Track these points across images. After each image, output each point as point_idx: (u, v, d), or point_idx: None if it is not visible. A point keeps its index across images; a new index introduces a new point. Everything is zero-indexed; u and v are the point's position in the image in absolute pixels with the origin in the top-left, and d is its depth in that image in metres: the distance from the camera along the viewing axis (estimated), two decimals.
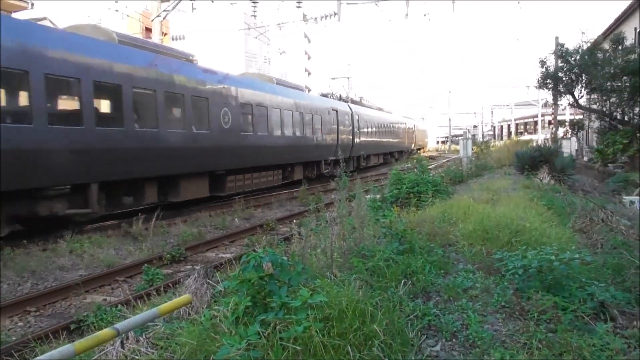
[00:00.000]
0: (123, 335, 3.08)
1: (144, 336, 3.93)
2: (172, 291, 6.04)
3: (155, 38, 19.68)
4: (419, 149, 55.24)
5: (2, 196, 8.92)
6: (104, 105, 12.21)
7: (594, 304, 3.73)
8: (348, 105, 28.57)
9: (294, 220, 13.45)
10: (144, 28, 33.12)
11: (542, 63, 22.18)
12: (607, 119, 21.36)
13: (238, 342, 3.14)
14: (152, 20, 19.43)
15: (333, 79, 44.76)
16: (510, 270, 4.15)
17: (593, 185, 18.19)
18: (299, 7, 23.04)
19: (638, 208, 11.71)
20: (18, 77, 9.22)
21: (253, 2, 26.95)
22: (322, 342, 2.94)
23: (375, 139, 33.20)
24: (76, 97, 10.62)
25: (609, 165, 20.07)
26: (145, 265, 8.11)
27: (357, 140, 28.30)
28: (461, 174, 17.96)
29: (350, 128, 27.50)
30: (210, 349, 3.35)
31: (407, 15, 19.13)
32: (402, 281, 4.11)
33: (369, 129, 31.67)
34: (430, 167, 27.23)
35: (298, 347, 2.93)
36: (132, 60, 12.02)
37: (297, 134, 20.56)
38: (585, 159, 27.46)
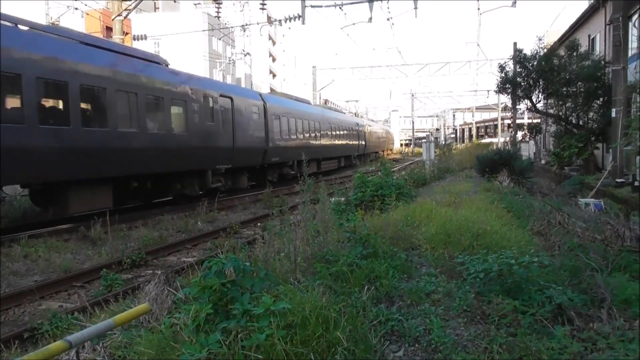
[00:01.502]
0: (77, 347, 2.95)
1: (101, 345, 3.79)
2: (131, 297, 5.86)
3: (116, 37, 19.17)
4: (383, 151, 55.89)
5: None
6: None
7: (552, 306, 3.81)
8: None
9: (258, 224, 13.34)
10: (104, 27, 32.26)
11: (502, 68, 22.78)
12: (563, 123, 22.09)
13: (198, 351, 3.05)
14: (112, 20, 18.92)
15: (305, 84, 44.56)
16: (471, 274, 4.21)
17: (550, 187, 18.75)
18: (262, 8, 22.94)
19: (593, 210, 12.14)
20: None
21: (217, 3, 26.64)
22: (285, 349, 2.89)
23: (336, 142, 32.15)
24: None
25: (565, 168, 20.77)
26: (104, 270, 7.87)
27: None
28: (424, 176, 18.19)
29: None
30: (170, 358, 3.26)
31: (370, 19, 19.27)
32: (366, 286, 4.10)
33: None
34: (394, 169, 27.54)
35: (260, 356, 2.88)
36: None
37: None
38: (543, 162, 28.34)
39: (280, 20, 23.13)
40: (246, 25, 26.30)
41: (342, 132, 34.14)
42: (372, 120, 63.35)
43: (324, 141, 29.71)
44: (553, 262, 5.50)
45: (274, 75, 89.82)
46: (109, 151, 12.50)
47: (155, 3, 56.91)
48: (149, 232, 11.48)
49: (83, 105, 12.04)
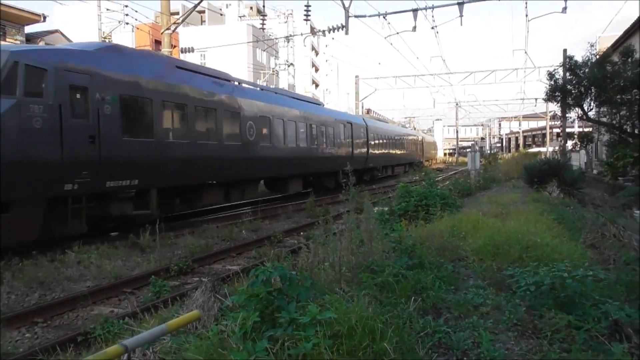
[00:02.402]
0: (131, 351, 3.06)
1: (150, 350, 3.90)
2: (179, 304, 6.01)
3: (165, 50, 19.86)
4: (427, 161, 55.70)
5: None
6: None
7: (608, 322, 3.65)
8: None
9: (301, 233, 13.42)
10: (153, 40, 33.45)
11: (551, 76, 22.12)
12: (617, 132, 21.20)
13: (246, 358, 3.10)
14: (161, 33, 19.61)
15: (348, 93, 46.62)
16: (522, 286, 4.09)
17: (603, 198, 18.01)
18: (306, 19, 23.17)
19: None
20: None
21: (261, 16, 27.20)
22: (332, 359, 2.89)
23: (397, 151, 38.19)
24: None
25: (619, 178, 19.90)
26: (153, 276, 8.09)
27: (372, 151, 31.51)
28: (469, 186, 17.85)
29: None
30: None
31: (414, 28, 19.15)
32: (412, 297, 4.05)
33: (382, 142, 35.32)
34: (438, 179, 27.21)
35: None
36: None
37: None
38: (595, 172, 27.26)
39: (323, 31, 23.33)
40: (290, 36, 26.65)
41: (406, 145, 42.97)
42: (418, 130, 63.49)
43: (397, 151, 38.25)
44: (608, 276, 5.27)
45: (317, 85, 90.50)
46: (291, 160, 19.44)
47: (202, 17, 58.64)
48: (195, 240, 11.75)
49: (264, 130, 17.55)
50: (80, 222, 10.33)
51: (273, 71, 49.20)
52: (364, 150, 28.50)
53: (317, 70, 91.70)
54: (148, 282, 7.99)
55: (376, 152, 31.08)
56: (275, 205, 19.09)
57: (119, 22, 29.86)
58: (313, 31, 42.19)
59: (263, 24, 26.16)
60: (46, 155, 9.20)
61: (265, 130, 17.48)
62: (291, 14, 30.60)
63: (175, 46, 28.90)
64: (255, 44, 49.66)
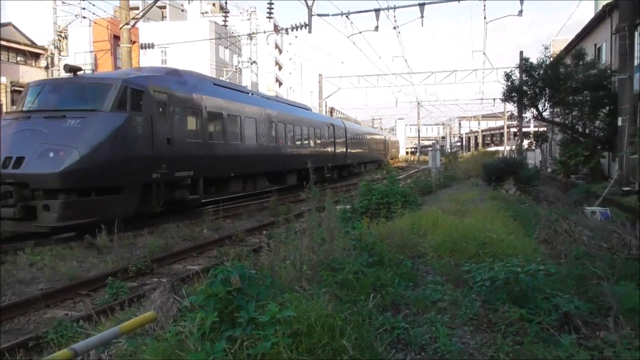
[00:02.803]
0: (82, 355, 2.96)
1: (106, 353, 3.80)
2: (136, 305, 5.87)
3: (123, 46, 19.35)
4: (392, 159, 57.24)
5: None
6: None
7: (559, 315, 3.79)
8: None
9: (264, 232, 13.35)
10: (112, 36, 32.55)
11: (508, 77, 22.79)
12: (569, 132, 22.03)
13: (204, 359, 3.06)
14: (120, 28, 19.10)
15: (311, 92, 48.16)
16: (477, 282, 4.19)
17: (557, 196, 18.66)
18: (269, 17, 23.09)
19: (599, 218, 12.07)
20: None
21: (224, 12, 26.86)
22: (290, 358, 2.89)
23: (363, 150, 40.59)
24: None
25: (571, 176, 20.69)
26: (110, 278, 7.87)
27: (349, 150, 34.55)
28: (430, 184, 18.17)
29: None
30: None
31: (377, 28, 19.33)
32: (372, 294, 4.09)
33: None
34: (399, 177, 27.55)
35: None
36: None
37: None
38: (549, 170, 28.24)
39: (286, 29, 23.25)
40: (253, 33, 26.42)
41: (376, 144, 47.25)
42: (381, 129, 65.21)
43: (369, 150, 42.40)
44: (560, 270, 5.47)
45: (280, 84, 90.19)
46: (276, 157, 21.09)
47: (162, 12, 57.47)
48: (155, 240, 11.51)
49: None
50: (157, 203, 13.65)
51: (236, 69, 48.75)
52: (344, 149, 32.41)
53: (280, 68, 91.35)
54: (105, 284, 7.77)
55: (353, 150, 35.26)
56: (238, 204, 18.94)
57: (76, 16, 28.91)
58: (276, 29, 41.98)
59: (225, 21, 25.85)
60: (144, 152, 12.39)
61: (272, 133, 20.77)
62: (254, 11, 30.31)
63: (134, 42, 28.20)
64: (218, 41, 49.03)
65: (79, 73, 13.03)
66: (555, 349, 3.20)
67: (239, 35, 38.65)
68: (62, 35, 28.92)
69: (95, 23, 29.32)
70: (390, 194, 11.36)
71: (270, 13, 22.85)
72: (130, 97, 12.04)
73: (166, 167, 13.30)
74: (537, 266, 4.16)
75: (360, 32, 20.74)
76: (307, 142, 25.30)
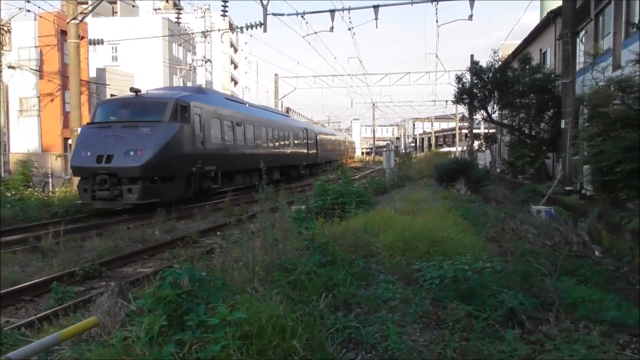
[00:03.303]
0: None
1: None
2: (82, 311, 5.66)
3: (71, 41, 18.63)
4: (350, 159, 58.67)
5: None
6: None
7: (504, 311, 3.92)
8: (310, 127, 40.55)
9: (218, 233, 13.16)
10: (59, 30, 31.28)
11: (459, 79, 23.39)
12: (517, 133, 22.84)
13: None
14: (67, 23, 18.38)
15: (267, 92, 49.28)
16: (427, 280, 4.28)
17: (505, 195, 19.31)
18: (224, 15, 22.80)
19: (544, 217, 12.58)
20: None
21: (177, 9, 26.30)
22: None
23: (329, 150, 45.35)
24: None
25: (518, 176, 21.46)
26: (55, 282, 7.55)
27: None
28: (384, 184, 18.43)
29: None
30: None
31: (332, 28, 19.44)
32: (324, 294, 4.10)
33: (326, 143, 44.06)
34: (355, 177, 27.77)
35: None
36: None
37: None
38: (498, 170, 29.18)
39: (241, 28, 23.01)
40: (207, 31, 25.99)
41: (339, 144, 52.79)
42: (339, 130, 66.66)
43: (334, 150, 47.79)
44: (506, 267, 5.66)
45: (235, 83, 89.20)
46: (268, 156, 24.23)
47: (113, 7, 55.70)
48: (104, 243, 11.14)
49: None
50: (192, 191, 17.49)
51: (190, 67, 47.86)
52: (315, 150, 37.34)
53: (236, 67, 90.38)
54: (49, 289, 7.45)
55: (322, 151, 40.22)
56: (191, 205, 18.62)
57: (20, 9, 27.55)
58: (232, 28, 41.48)
59: (178, 18, 25.32)
60: (188, 152, 16.68)
61: (263, 136, 25.21)
62: (208, 9, 29.83)
63: (83, 37, 27.20)
64: (172, 38, 47.95)
65: (140, 93, 17.60)
66: (500, 344, 3.30)
67: (192, 33, 37.95)
68: (5, 29, 27.53)
69: (41, 17, 28.07)
70: (345, 194, 11.44)
71: (224, 11, 22.55)
72: (180, 111, 16.56)
73: (200, 163, 17.59)
74: (484, 264, 4.29)
75: (315, 33, 20.81)
76: (288, 143, 29.79)
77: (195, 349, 2.98)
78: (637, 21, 7.36)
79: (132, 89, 17.70)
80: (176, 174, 16.33)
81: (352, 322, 3.81)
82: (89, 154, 15.24)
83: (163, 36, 35.61)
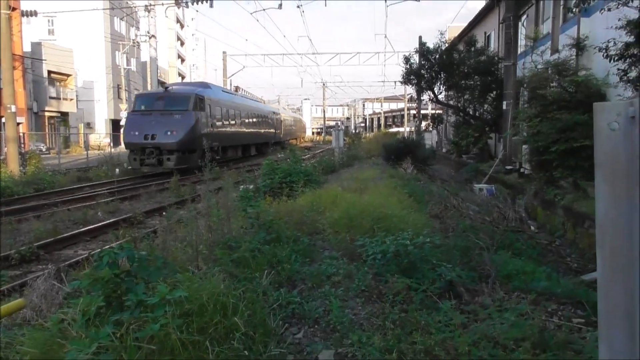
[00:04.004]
0: None
1: None
2: (15, 296, 5.42)
3: (3, 12, 17.45)
4: (296, 139, 58.07)
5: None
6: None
7: (443, 283, 4.06)
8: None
9: (164, 213, 12.86)
10: None
11: (407, 60, 23.67)
12: (462, 114, 23.47)
13: (88, 346, 2.88)
14: None
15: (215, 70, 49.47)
16: (370, 255, 4.36)
17: (450, 174, 19.92)
18: None
19: (485, 194, 13.08)
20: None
21: None
22: (180, 339, 2.82)
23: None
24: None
25: (463, 156, 22.14)
26: None
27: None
28: (333, 164, 18.55)
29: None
30: (57, 356, 3.05)
31: (280, 5, 19.13)
32: (267, 271, 4.10)
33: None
34: (305, 157, 27.78)
35: (154, 347, 2.78)
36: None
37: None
38: (444, 150, 29.99)
39: (186, 2, 22.25)
40: (150, 5, 24.98)
41: (295, 124, 57.94)
42: (285, 109, 66.88)
43: (292, 129, 53.64)
44: (447, 242, 5.85)
45: (183, 60, 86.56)
46: (245, 134, 30.57)
47: None
48: (42, 225, 10.66)
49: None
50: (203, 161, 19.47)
51: (134, 43, 46.00)
52: (280, 130, 43.23)
53: (182, 44, 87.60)
54: None
55: (284, 130, 46.29)
56: (137, 184, 18.12)
57: None
58: (177, 2, 40.03)
59: None
60: (204, 132, 21.63)
61: (246, 120, 31.05)
62: None
63: (15, 9, 25.51)
64: (113, 12, 45.81)
65: (169, 88, 23.75)
66: (437, 314, 3.42)
67: (135, 7, 36.38)
68: None
69: None
70: (293, 173, 11.43)
71: None
72: (199, 102, 22.11)
73: (209, 139, 20.55)
74: (424, 239, 4.41)
75: (264, 10, 20.42)
76: (262, 125, 35.83)
77: (134, 329, 2.91)
78: (572, 5, 7.67)
79: (162, 84, 26.65)
80: (196, 148, 21.21)
81: (295, 297, 3.84)
82: (137, 133, 20.73)
83: (103, 9, 33.90)
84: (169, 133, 20.44)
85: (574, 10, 7.60)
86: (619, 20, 6.63)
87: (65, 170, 22.05)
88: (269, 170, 11.65)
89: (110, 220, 11.90)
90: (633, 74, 6.52)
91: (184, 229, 5.48)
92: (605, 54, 6.70)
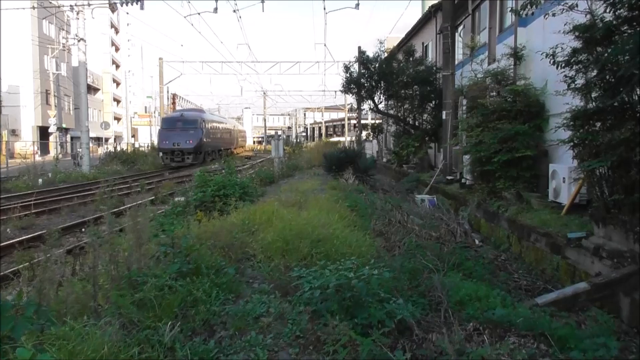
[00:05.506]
0: None
1: None
2: None
3: None
4: (238, 148, 58.14)
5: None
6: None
7: (392, 324, 3.40)
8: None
9: (82, 230, 11.61)
10: None
11: (347, 69, 23.34)
12: (402, 124, 23.38)
13: None
14: None
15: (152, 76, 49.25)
16: (307, 291, 3.64)
17: (391, 184, 19.63)
18: None
19: (427, 205, 12.76)
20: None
21: None
22: None
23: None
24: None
25: (404, 166, 21.98)
26: None
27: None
28: (272, 174, 17.79)
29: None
30: None
31: (216, 9, 18.22)
32: (179, 314, 3.29)
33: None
34: (245, 167, 26.76)
35: None
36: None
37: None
38: (385, 160, 29.90)
39: (115, 3, 20.86)
40: (76, 5, 23.29)
41: (241, 134, 66.44)
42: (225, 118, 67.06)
43: (240, 138, 61.17)
44: (393, 265, 5.26)
45: (117, 66, 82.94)
46: (219, 141, 42.56)
47: None
48: None
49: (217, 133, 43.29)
50: (203, 158, 34.43)
51: (64, 47, 43.25)
52: (236, 138, 54.31)
53: (117, 49, 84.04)
54: None
55: (238, 139, 56.70)
56: (59, 197, 16.61)
57: None
58: (112, 7, 37.97)
59: None
60: (204, 141, 35.33)
61: (219, 133, 42.22)
62: None
63: None
64: (42, 14, 42.88)
65: (183, 114, 36.04)
66: None
67: (60, 7, 34.18)
68: None
69: None
70: (227, 185, 10.58)
71: None
72: (201, 122, 34.87)
73: (206, 146, 34.75)
74: (370, 270, 3.73)
75: (198, 13, 19.43)
76: (228, 134, 48.00)
77: None
78: (520, 7, 7.38)
79: (177, 111, 41.73)
80: (202, 151, 34.01)
81: (212, 350, 3.05)
82: (167, 142, 32.89)
83: (30, 8, 31.49)
84: (187, 141, 32.70)
85: (520, 12, 7.29)
86: (565, 24, 6.35)
87: None
88: (201, 182, 10.74)
89: (18, 239, 10.55)
90: (580, 81, 6.24)
91: (90, 257, 4.55)
92: (552, 61, 6.41)
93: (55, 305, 3.37)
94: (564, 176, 8.50)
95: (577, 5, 6.34)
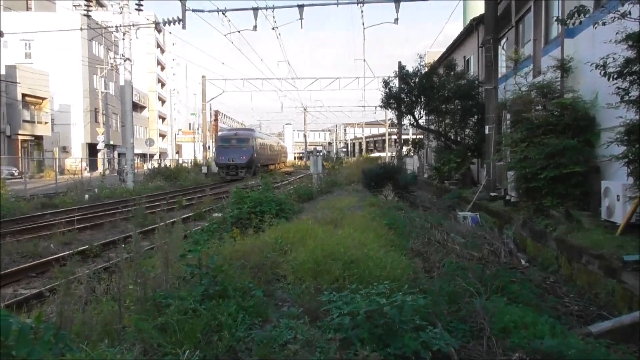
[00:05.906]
0: None
1: None
2: None
3: None
4: (282, 163, 61.53)
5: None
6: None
7: (427, 353, 3.15)
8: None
9: (123, 245, 11.77)
10: None
11: (386, 84, 23.09)
12: (443, 139, 22.88)
13: None
14: None
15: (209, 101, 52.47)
16: (336, 317, 3.43)
17: (432, 201, 19.15)
18: (138, 10, 21.31)
19: (470, 223, 12.29)
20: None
21: (86, 2, 24.12)
22: None
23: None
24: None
25: (445, 182, 21.44)
26: None
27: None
28: (310, 191, 17.68)
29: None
30: None
31: (255, 27, 18.47)
32: (202, 341, 3.14)
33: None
34: (283, 182, 26.83)
35: None
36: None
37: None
38: (426, 175, 29.35)
39: (158, 23, 21.50)
40: (121, 26, 24.17)
41: (284, 150, 71.60)
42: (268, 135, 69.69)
43: (284, 154, 68.60)
44: (431, 288, 4.97)
45: (163, 85, 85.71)
46: (266, 157, 48.03)
47: (27, 2, 51.64)
48: None
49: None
50: (253, 172, 38.16)
51: (112, 67, 45.03)
52: (281, 154, 60.82)
53: (163, 69, 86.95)
54: None
55: (281, 155, 61.82)
56: (101, 213, 17.01)
57: None
58: (157, 27, 39.39)
59: (88, 11, 23.30)
60: (255, 157, 40.46)
61: (268, 147, 49.06)
62: (127, 4, 27.88)
63: None
64: (90, 35, 44.89)
65: (237, 133, 42.27)
66: None
67: (106, 27, 35.63)
68: None
69: None
70: (263, 202, 10.52)
71: (139, 5, 20.96)
72: (252, 140, 40.24)
73: (257, 161, 39.46)
74: (403, 296, 3.48)
75: (238, 31, 19.78)
76: (275, 151, 54.36)
77: None
78: (556, 17, 7.03)
79: (232, 130, 49.92)
80: (253, 166, 37.67)
81: None
82: (223, 157, 37.44)
83: (74, 29, 33.01)
84: (240, 157, 37.17)
85: (567, 22, 6.92)
86: (617, 33, 5.96)
87: (30, 196, 20.81)
88: (237, 198, 10.72)
89: (62, 254, 10.80)
90: (635, 93, 5.82)
91: (116, 277, 4.49)
92: (603, 72, 6.02)
93: (78, 327, 3.29)
94: (618, 194, 7.96)
95: (629, 13, 5.95)
